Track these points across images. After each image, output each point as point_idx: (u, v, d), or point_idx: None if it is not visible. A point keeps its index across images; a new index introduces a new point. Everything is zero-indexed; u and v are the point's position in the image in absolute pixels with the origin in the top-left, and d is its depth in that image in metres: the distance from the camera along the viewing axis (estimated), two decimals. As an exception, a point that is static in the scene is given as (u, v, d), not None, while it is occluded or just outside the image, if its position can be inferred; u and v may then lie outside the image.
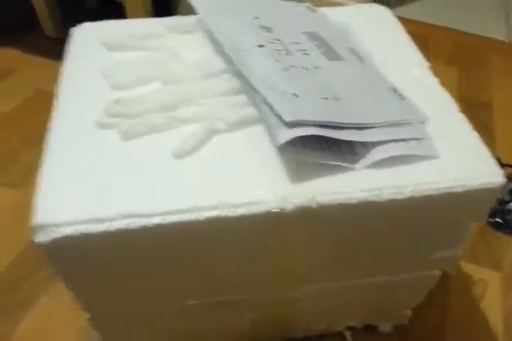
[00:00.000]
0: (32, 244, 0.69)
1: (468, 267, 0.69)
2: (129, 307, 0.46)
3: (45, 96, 0.98)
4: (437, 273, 0.50)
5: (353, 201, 0.37)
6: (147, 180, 0.38)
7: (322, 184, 0.37)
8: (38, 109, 0.96)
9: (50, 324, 0.63)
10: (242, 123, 0.42)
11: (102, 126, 0.42)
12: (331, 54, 0.46)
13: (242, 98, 0.43)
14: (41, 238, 0.35)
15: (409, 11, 1.25)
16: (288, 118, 0.36)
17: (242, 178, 0.38)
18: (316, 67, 0.43)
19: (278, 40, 0.46)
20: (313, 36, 0.48)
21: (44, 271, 0.68)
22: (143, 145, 0.41)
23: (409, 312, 0.59)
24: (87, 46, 0.51)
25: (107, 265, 0.39)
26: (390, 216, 0.39)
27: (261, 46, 0.44)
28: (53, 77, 1.03)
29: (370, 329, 0.60)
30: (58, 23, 1.12)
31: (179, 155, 0.40)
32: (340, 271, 0.46)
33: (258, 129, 0.42)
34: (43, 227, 0.35)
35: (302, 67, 0.43)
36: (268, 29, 0.47)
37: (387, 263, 0.46)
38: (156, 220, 0.36)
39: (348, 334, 0.60)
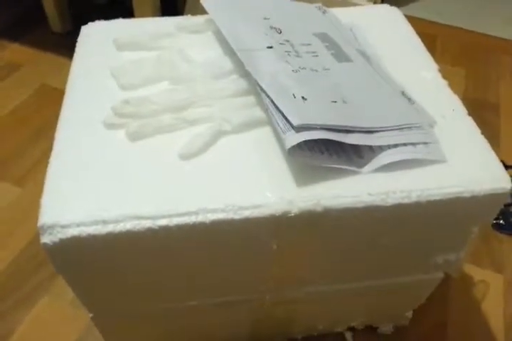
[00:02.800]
0: (35, 243, 0.70)
1: (469, 268, 0.69)
2: (131, 307, 0.46)
3: (50, 92, 0.99)
4: (440, 275, 0.50)
5: (359, 205, 0.37)
6: (153, 181, 0.38)
7: (328, 188, 0.37)
8: (44, 104, 0.97)
9: (51, 323, 0.63)
10: (249, 125, 0.42)
11: (110, 126, 0.42)
12: (341, 56, 0.46)
13: (250, 99, 0.43)
14: (48, 239, 0.35)
15: (416, 9, 1.24)
16: (296, 122, 0.36)
17: (248, 181, 0.38)
18: (325, 69, 0.43)
19: (287, 41, 0.45)
20: (323, 37, 0.48)
21: (44, 271, 0.68)
22: (150, 146, 0.41)
23: (410, 313, 0.59)
24: (96, 44, 0.51)
25: (110, 266, 0.39)
26: (395, 220, 0.39)
27: (270, 47, 0.44)
28: (59, 73, 1.05)
29: (370, 330, 0.61)
30: (65, 19, 1.12)
31: (186, 156, 0.40)
32: (342, 274, 0.47)
33: (265, 131, 0.42)
34: (49, 228, 0.35)
35: (311, 69, 0.42)
36: (278, 30, 0.46)
37: (391, 267, 0.47)
38: (162, 222, 0.36)
39: (348, 335, 0.60)
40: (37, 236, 0.69)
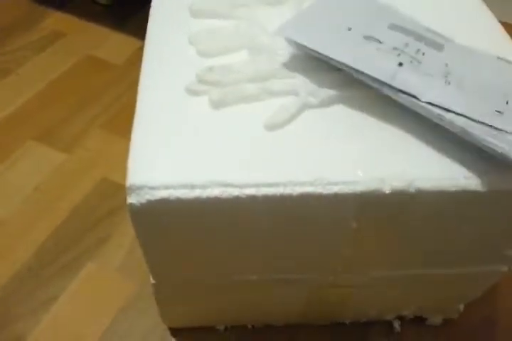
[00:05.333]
0: (82, 208, 0.70)
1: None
2: (195, 276, 0.46)
3: (95, 62, 0.98)
4: (504, 269, 0.49)
5: (453, 188, 0.36)
6: (240, 150, 0.37)
7: (422, 168, 0.36)
8: (89, 73, 0.96)
9: (96, 290, 0.63)
10: (335, 99, 0.41)
11: (193, 92, 0.41)
12: (434, 44, 0.44)
13: (336, 74, 0.42)
14: (135, 199, 0.34)
15: None
16: None
17: (337, 155, 0.37)
18: (447, 65, 0.41)
19: (396, 49, 0.41)
20: (404, 30, 0.45)
21: (91, 237, 0.68)
22: (233, 115, 0.40)
23: (462, 306, 0.58)
24: (170, 10, 0.50)
25: (189, 231, 0.39)
26: (483, 206, 0.38)
27: (401, 65, 0.40)
28: (103, 44, 1.04)
29: (418, 320, 0.60)
30: (111, -11, 1.10)
31: (271, 127, 0.39)
32: (412, 259, 0.46)
33: (352, 106, 0.41)
34: (137, 189, 0.34)
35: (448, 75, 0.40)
36: (375, 39, 0.42)
37: (464, 255, 0.45)
38: (249, 191, 0.35)
39: (396, 324, 0.60)
40: (84, 201, 0.72)
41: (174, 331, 0.58)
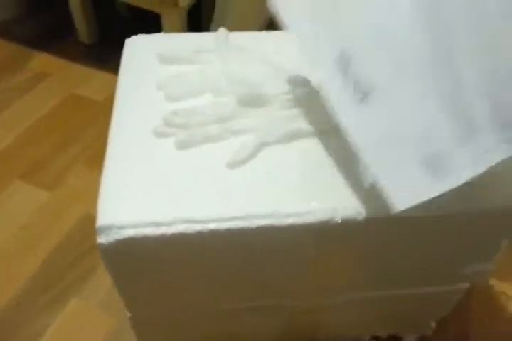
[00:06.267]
0: (65, 245, 0.72)
1: (490, 281, 0.70)
2: (168, 308, 0.48)
3: (78, 101, 1.02)
4: (466, 286, 0.52)
5: (402, 214, 0.38)
6: (203, 187, 0.40)
7: (371, 197, 0.39)
8: (72, 113, 1.00)
9: (80, 325, 0.64)
10: (291, 137, 0.44)
11: (159, 135, 0.44)
12: None
13: (293, 112, 0.46)
14: (104, 239, 0.37)
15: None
16: None
17: (292, 189, 0.40)
18: None
19: None
20: None
21: (73, 273, 0.70)
22: (198, 155, 0.43)
23: (434, 323, 0.60)
24: (141, 58, 0.54)
25: (157, 266, 0.41)
26: (433, 231, 0.41)
27: None
28: (86, 83, 1.08)
29: (394, 339, 0.62)
30: (93, 29, 1.16)
31: (232, 165, 0.42)
32: (374, 282, 0.48)
33: (307, 142, 0.44)
34: (106, 229, 0.37)
35: None
36: None
37: (422, 276, 0.48)
38: (211, 226, 0.38)
39: (373, 344, 0.61)
40: (66, 238, 0.74)
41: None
